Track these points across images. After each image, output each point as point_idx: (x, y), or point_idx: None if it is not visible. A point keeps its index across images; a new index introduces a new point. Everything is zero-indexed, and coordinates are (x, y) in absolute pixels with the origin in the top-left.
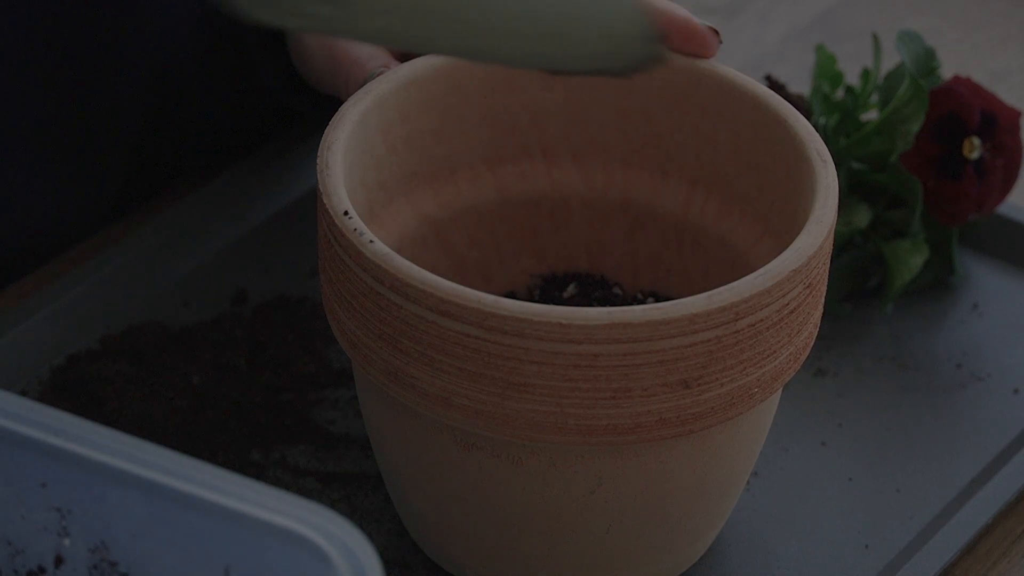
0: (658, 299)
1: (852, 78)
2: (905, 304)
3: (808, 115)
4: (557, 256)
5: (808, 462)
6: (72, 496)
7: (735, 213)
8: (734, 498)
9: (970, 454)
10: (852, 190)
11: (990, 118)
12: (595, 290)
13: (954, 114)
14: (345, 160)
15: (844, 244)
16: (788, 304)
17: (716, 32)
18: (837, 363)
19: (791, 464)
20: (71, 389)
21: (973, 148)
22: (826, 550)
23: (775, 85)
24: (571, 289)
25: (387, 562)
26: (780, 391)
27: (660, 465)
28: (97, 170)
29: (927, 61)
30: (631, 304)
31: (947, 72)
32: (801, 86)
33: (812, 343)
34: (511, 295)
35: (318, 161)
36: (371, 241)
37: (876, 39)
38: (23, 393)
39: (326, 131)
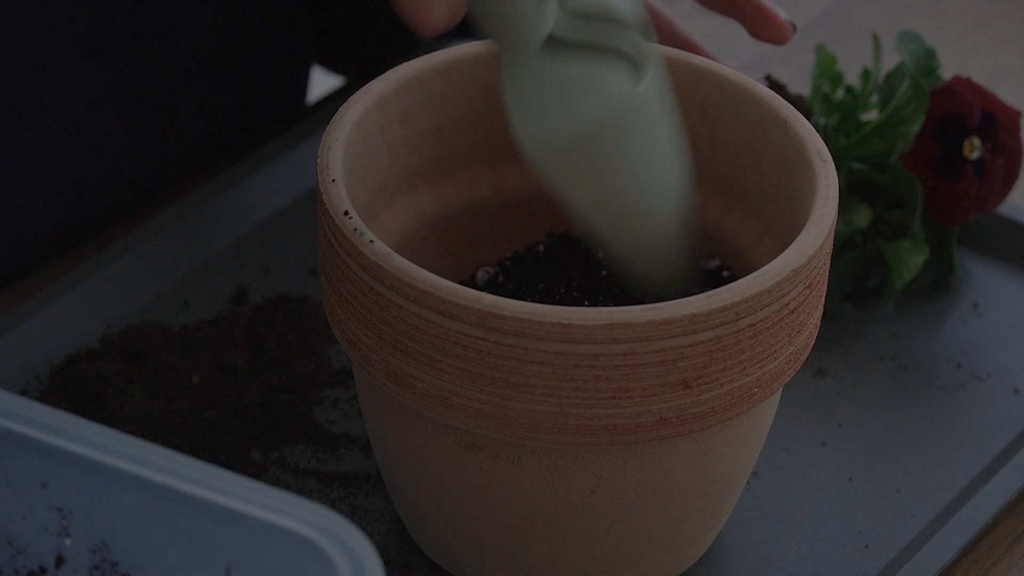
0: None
1: (852, 78)
2: (905, 304)
3: (808, 115)
4: None
5: (808, 462)
6: (73, 496)
7: (735, 213)
8: (734, 498)
9: (970, 454)
10: (852, 190)
11: (990, 118)
12: None
13: (954, 114)
14: (345, 160)
15: (844, 244)
16: (788, 304)
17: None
18: (837, 363)
19: (791, 464)
20: (71, 389)
21: (973, 148)
22: (826, 550)
23: (775, 85)
24: None
25: (387, 562)
26: (780, 391)
27: (660, 465)
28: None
29: (927, 61)
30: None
31: (947, 72)
32: (801, 86)
33: (812, 343)
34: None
35: (318, 161)
36: (371, 241)
37: (876, 39)
38: (23, 393)
39: (326, 131)
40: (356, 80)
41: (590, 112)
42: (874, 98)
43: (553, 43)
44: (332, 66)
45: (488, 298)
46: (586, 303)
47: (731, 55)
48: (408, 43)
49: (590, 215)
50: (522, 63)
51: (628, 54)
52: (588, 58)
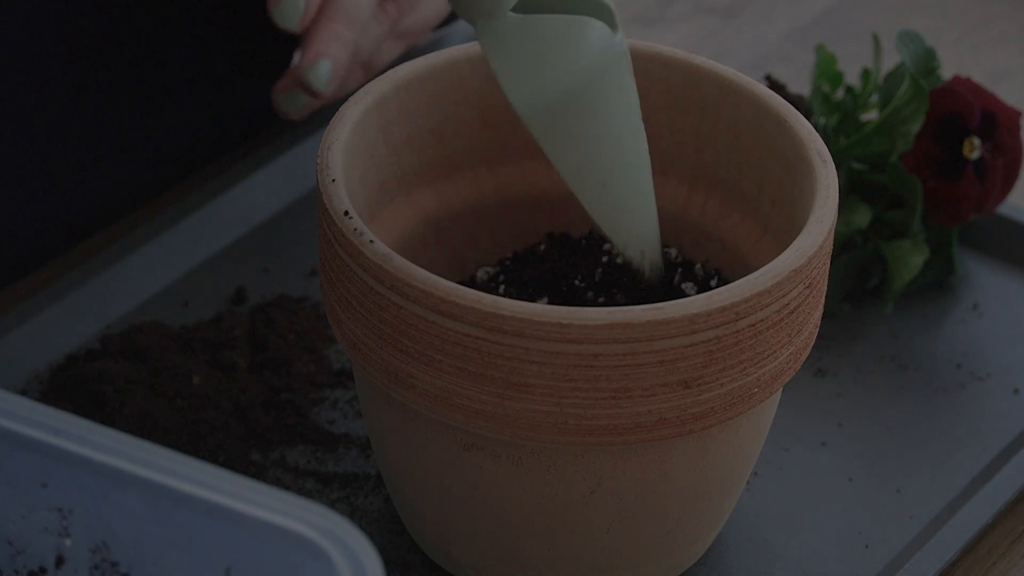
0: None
1: (852, 78)
2: (905, 304)
3: (808, 115)
4: None
5: (808, 462)
6: (73, 496)
7: (735, 213)
8: (734, 498)
9: (970, 454)
10: (852, 190)
11: (990, 118)
12: None
13: (954, 114)
14: (345, 160)
15: (844, 244)
16: (788, 304)
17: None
18: (837, 363)
19: (791, 464)
20: (71, 389)
21: (973, 148)
22: (826, 550)
23: (775, 85)
24: None
25: (387, 562)
26: (780, 391)
27: (660, 465)
28: (102, 167)
29: (927, 61)
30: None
31: (947, 72)
32: (801, 86)
33: (812, 343)
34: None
35: (318, 161)
36: (371, 241)
37: (876, 39)
38: (23, 393)
39: (326, 131)
40: None
41: (579, 63)
42: (874, 98)
43: (524, 4)
44: None
45: (488, 298)
46: (586, 303)
47: (731, 55)
48: None
49: (575, 180)
50: (502, 23)
51: (597, 8)
52: (563, 13)
